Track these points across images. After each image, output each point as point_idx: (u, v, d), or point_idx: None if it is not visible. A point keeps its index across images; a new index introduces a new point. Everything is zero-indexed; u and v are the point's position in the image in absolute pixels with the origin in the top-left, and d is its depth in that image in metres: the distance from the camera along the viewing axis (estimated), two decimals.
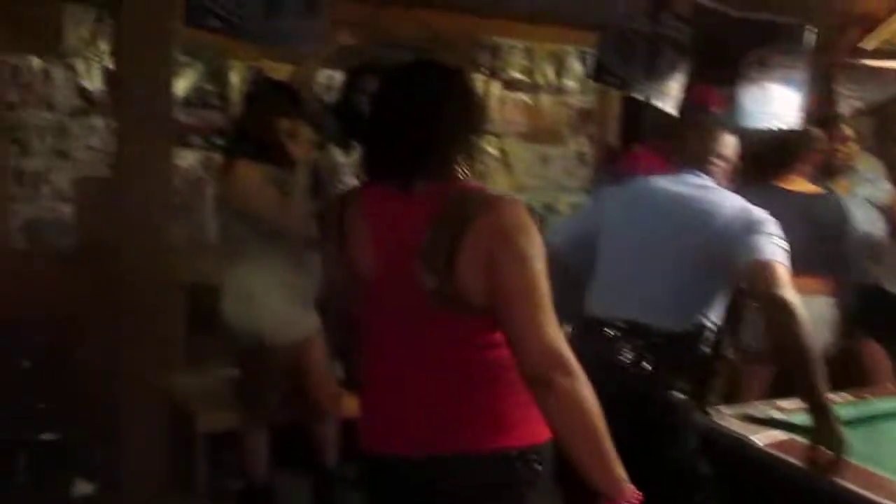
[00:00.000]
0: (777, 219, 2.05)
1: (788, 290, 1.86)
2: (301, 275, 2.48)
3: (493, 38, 4.13)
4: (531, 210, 1.81)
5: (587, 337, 2.06)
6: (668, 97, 2.89)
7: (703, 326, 2.07)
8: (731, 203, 2.08)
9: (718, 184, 2.20)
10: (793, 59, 3.17)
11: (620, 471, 1.32)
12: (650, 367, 2.03)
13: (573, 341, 1.35)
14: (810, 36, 3.15)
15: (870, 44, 2.15)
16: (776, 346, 2.10)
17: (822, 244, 2.67)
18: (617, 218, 2.21)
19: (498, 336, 1.37)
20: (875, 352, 2.82)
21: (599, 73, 2.86)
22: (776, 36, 3.19)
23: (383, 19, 3.16)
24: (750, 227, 2.00)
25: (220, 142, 3.06)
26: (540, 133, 4.34)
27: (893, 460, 1.85)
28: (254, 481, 2.62)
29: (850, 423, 2.09)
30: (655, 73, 2.87)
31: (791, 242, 2.00)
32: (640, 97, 3.01)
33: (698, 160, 2.23)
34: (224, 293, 2.53)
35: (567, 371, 1.29)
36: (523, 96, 4.28)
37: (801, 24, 3.19)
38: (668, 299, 2.06)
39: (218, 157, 2.88)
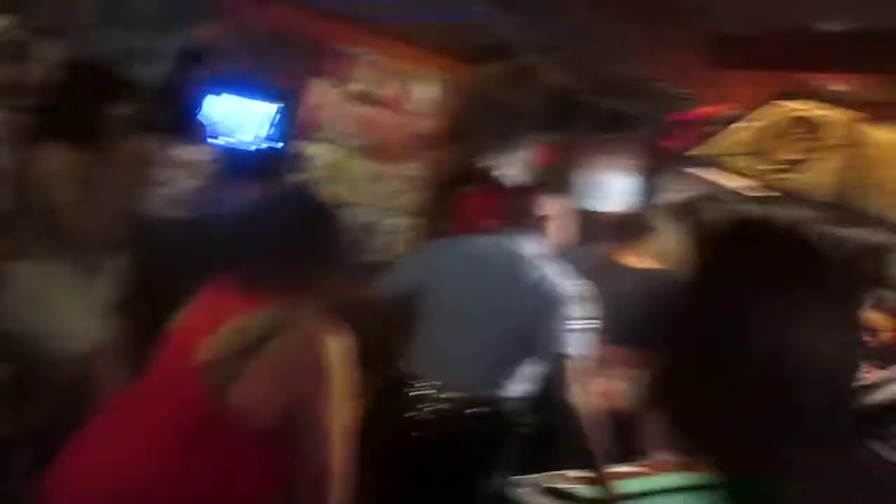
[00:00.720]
0: (610, 291, 2.14)
1: (573, 392, 1.99)
2: (95, 280, 2.23)
3: (345, 45, 4.02)
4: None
5: (396, 391, 2.06)
6: (517, 164, 2.95)
7: (509, 395, 2.11)
8: (541, 278, 2.11)
9: (546, 246, 2.23)
10: (630, 146, 3.38)
11: None
12: (452, 430, 2.04)
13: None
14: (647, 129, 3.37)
15: (702, 154, 2.32)
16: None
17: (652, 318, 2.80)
18: (437, 276, 2.21)
19: None
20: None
21: (456, 139, 2.84)
22: (618, 123, 3.37)
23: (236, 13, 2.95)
24: (552, 311, 2.05)
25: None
26: (376, 149, 4.27)
27: None
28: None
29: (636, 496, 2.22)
30: (507, 139, 2.91)
31: (622, 315, 2.10)
32: (490, 164, 3.05)
33: (525, 220, 2.24)
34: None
35: None
36: (366, 109, 4.20)
37: (642, 116, 3.40)
38: (477, 365, 2.09)
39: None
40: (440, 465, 2.04)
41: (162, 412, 1.40)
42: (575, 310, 2.06)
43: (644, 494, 2.28)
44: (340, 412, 1.42)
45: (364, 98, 4.16)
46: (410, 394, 2.07)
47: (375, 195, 4.21)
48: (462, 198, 3.44)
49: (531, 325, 2.06)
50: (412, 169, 4.42)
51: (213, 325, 1.41)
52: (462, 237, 2.43)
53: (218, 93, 3.42)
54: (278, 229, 1.53)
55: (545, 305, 2.06)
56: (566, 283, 2.10)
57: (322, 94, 4.00)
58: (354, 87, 4.09)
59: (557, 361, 2.02)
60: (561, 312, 2.04)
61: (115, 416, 1.48)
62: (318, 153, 4.04)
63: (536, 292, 2.08)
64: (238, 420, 1.37)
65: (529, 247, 2.18)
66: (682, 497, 2.42)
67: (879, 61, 2.02)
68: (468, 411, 2.06)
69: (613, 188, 3.39)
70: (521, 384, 2.13)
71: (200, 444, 1.38)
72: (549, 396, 2.11)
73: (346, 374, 1.43)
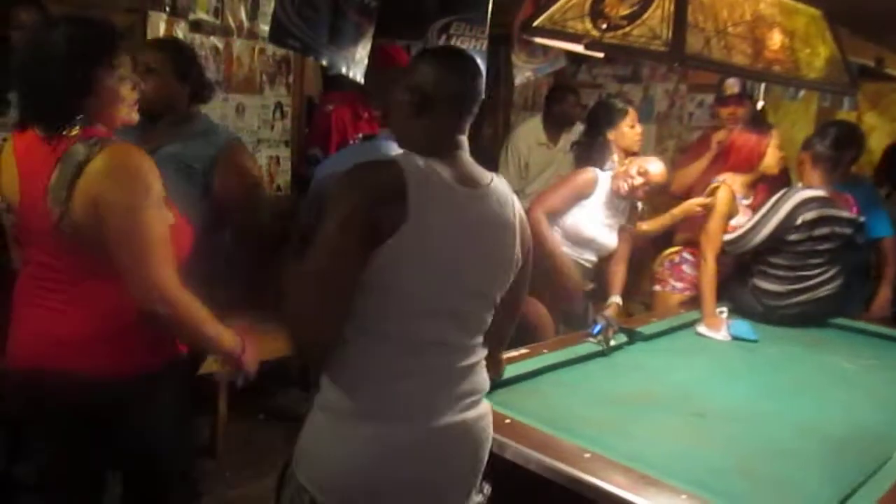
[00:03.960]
0: None
1: None
2: None
3: None
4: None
5: None
6: (355, 62, 2.80)
7: None
8: None
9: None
10: (475, 29, 3.27)
11: (227, 337, 1.75)
12: None
13: None
14: (489, 7, 3.27)
15: (540, 23, 2.24)
16: None
17: None
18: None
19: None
20: (537, 307, 3.04)
21: (279, 36, 2.67)
22: (458, 5, 3.25)
23: None
24: None
25: None
26: (233, 81, 4.04)
27: (555, 415, 2.03)
28: None
29: (515, 380, 2.28)
30: (340, 37, 2.76)
31: None
32: (323, 62, 2.90)
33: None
34: None
35: (168, 303, 1.60)
36: (214, 40, 3.94)
37: None
38: None
39: None
40: None
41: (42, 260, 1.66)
42: None
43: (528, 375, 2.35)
44: (159, 218, 1.62)
45: (209, 28, 3.89)
46: None
47: (241, 129, 4.00)
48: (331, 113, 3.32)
49: None
50: (276, 96, 4.23)
51: (36, 171, 1.61)
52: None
53: None
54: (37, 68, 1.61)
55: None
56: None
57: (163, 29, 3.72)
58: (197, 16, 3.82)
59: None
60: None
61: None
62: None
63: None
64: (83, 240, 1.60)
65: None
66: None
67: None
68: None
69: None
70: None
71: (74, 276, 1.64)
72: None
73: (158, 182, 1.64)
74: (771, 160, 3.22)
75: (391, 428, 1.44)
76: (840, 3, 2.88)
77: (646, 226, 3.31)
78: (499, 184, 1.58)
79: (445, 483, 1.54)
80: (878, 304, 3.62)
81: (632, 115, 3.17)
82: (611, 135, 3.12)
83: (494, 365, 1.82)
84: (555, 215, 3.06)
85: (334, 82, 3.89)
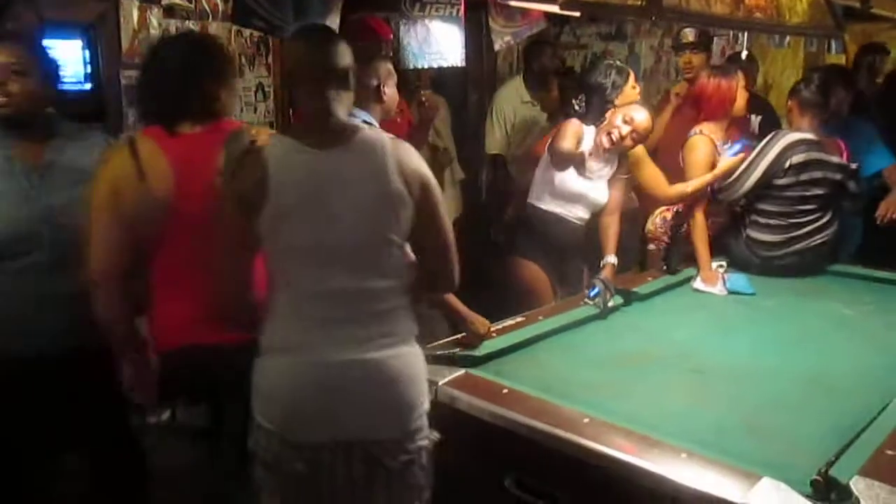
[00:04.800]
0: None
1: None
2: None
3: None
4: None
5: None
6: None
7: None
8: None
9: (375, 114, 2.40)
10: None
11: None
12: None
13: None
14: None
15: None
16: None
17: None
18: None
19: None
20: (532, 271, 3.02)
21: (243, 17, 2.61)
22: None
23: None
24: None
25: None
26: None
27: (553, 381, 2.02)
28: None
29: (511, 349, 2.27)
30: (306, 12, 2.70)
31: None
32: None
33: (366, 97, 2.35)
34: None
35: None
36: (190, 25, 3.86)
37: None
38: None
39: None
40: None
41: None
42: None
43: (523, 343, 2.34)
44: None
45: (183, 11, 3.81)
46: None
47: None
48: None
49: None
50: (256, 78, 4.16)
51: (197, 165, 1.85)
52: None
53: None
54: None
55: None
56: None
57: (136, 16, 3.65)
58: (167, 2, 3.74)
59: None
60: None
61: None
62: None
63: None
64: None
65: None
66: None
67: None
68: None
69: (445, 43, 3.27)
70: None
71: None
72: None
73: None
74: (740, 102, 3.19)
75: (297, 362, 1.68)
76: None
77: (690, 188, 3.20)
78: (364, 135, 1.74)
79: (350, 413, 1.68)
80: None
81: (632, 75, 3.11)
82: (617, 100, 3.06)
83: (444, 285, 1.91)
84: (548, 171, 3.03)
85: None
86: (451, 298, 2.20)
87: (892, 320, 2.67)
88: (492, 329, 2.32)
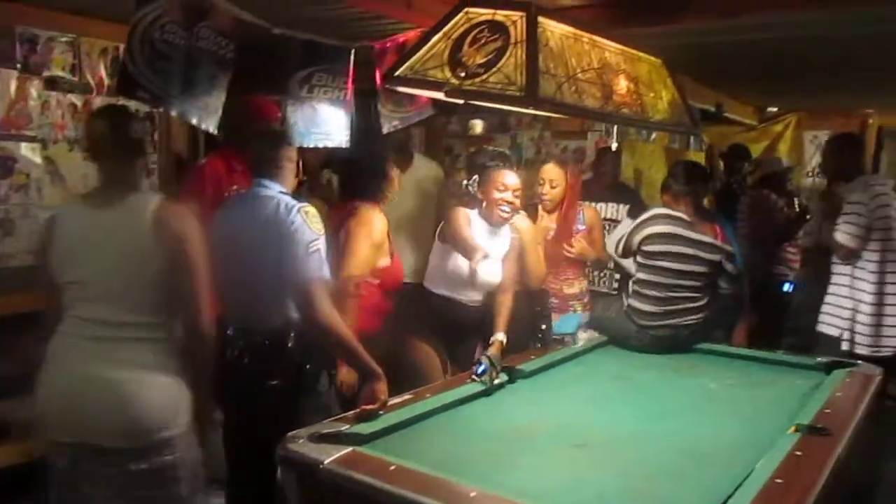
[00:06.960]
0: None
1: (321, 311, 2.27)
2: None
3: (29, 28, 3.56)
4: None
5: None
6: (208, 113, 2.78)
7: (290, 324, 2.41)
8: (289, 220, 2.34)
9: (286, 186, 2.53)
10: (337, 80, 3.33)
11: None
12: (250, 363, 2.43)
13: None
14: (351, 58, 3.34)
15: (401, 72, 2.30)
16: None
17: None
18: (216, 235, 2.37)
19: None
20: (424, 351, 3.05)
21: (127, 88, 2.60)
22: (320, 56, 3.30)
23: None
24: (298, 246, 2.30)
25: None
26: None
27: (441, 457, 2.02)
28: None
29: (399, 426, 2.26)
30: (193, 87, 2.72)
31: None
32: (175, 114, 2.85)
33: (269, 169, 2.51)
34: None
35: None
36: (71, 97, 3.78)
37: (343, 46, 3.36)
38: (256, 304, 2.43)
39: None
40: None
41: None
42: (312, 241, 2.32)
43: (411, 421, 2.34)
44: None
45: (66, 85, 3.73)
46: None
47: None
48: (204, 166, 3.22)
49: (284, 262, 2.32)
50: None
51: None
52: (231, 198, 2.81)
53: None
54: None
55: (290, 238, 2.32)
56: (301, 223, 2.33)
57: (14, 87, 3.53)
58: (52, 73, 3.66)
59: (301, 288, 2.30)
60: (301, 246, 2.30)
61: None
62: (29, 153, 3.59)
63: (282, 229, 2.33)
64: None
65: (274, 189, 2.47)
66: None
67: None
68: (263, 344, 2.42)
69: (330, 123, 3.36)
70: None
71: None
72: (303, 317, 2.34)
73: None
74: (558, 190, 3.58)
75: (49, 376, 2.08)
76: (679, 54, 3.14)
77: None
78: (135, 198, 2.11)
79: (83, 419, 2.03)
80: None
81: (501, 173, 3.23)
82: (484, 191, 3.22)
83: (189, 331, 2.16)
84: (443, 258, 3.14)
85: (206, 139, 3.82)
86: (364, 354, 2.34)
87: (752, 393, 2.86)
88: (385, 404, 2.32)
